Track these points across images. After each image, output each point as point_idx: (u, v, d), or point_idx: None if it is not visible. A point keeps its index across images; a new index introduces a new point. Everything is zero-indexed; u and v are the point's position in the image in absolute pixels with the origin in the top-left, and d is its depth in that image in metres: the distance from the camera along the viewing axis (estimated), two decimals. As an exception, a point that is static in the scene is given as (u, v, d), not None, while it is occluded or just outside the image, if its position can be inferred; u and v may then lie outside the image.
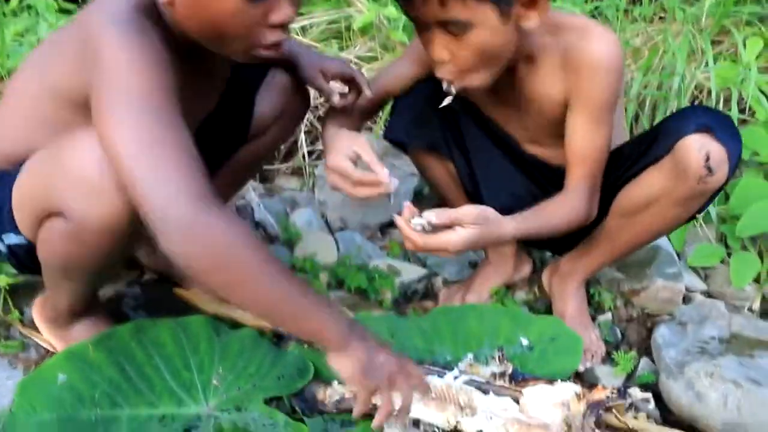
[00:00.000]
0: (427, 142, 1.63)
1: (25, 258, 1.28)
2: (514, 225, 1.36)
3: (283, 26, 1.15)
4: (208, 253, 1.04)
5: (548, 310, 1.77)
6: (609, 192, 1.51)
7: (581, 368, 1.58)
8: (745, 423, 1.30)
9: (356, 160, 1.35)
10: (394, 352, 1.22)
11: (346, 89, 1.49)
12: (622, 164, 1.51)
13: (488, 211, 1.32)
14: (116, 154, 1.04)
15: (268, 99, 1.52)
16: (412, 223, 1.29)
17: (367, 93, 1.49)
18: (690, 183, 1.37)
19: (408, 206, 1.31)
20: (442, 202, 1.78)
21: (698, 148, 1.33)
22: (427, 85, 1.56)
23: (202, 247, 1.04)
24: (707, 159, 1.33)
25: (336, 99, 1.48)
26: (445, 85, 1.38)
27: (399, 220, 1.30)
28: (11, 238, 1.25)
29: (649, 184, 1.45)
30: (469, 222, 1.29)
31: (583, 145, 1.45)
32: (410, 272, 1.81)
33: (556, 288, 1.73)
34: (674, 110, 2.29)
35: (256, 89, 1.51)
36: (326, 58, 1.59)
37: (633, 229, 1.54)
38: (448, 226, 1.29)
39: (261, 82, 1.51)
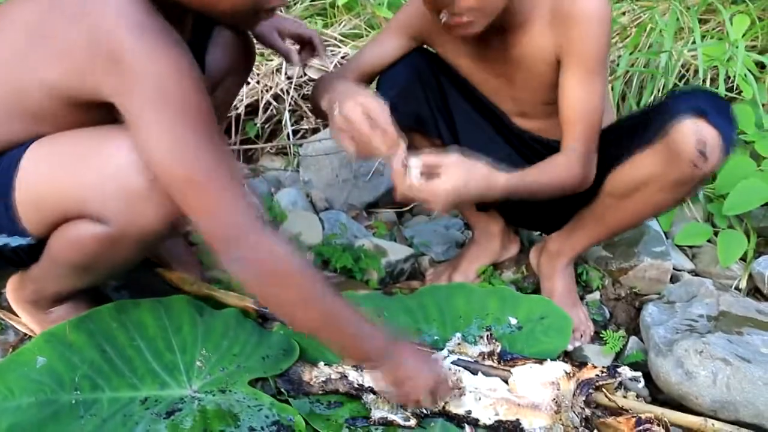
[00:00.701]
0: (413, 119, 1.60)
1: (24, 257, 1.24)
2: (505, 176, 1.32)
3: None
4: (270, 273, 1.08)
5: (536, 290, 1.75)
6: (600, 171, 1.49)
7: (570, 347, 1.56)
8: (734, 400, 1.29)
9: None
10: (432, 364, 1.26)
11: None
12: (615, 144, 1.48)
13: (474, 162, 1.28)
14: (178, 176, 1.03)
15: (216, 57, 1.51)
16: (410, 170, 1.24)
17: (323, 56, 1.54)
18: (683, 167, 1.35)
19: (402, 147, 1.24)
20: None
21: (693, 132, 1.31)
22: (412, 59, 1.53)
23: (265, 268, 1.08)
24: (701, 143, 1.30)
25: (295, 58, 1.50)
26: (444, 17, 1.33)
27: (395, 165, 1.24)
28: (17, 241, 1.19)
29: (641, 167, 1.43)
30: (450, 165, 1.25)
31: (578, 102, 1.42)
32: (397, 252, 1.79)
33: (544, 267, 1.72)
34: (661, 88, 2.27)
35: (205, 49, 1.49)
36: (282, 17, 1.58)
37: (622, 210, 1.52)
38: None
39: (208, 41, 1.49)
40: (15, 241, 1.18)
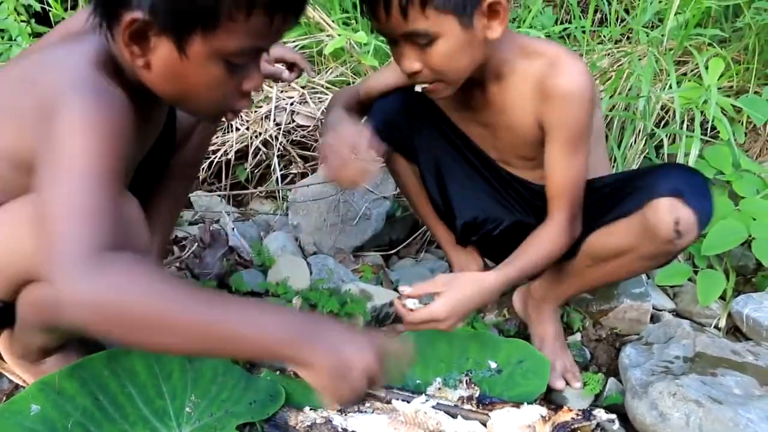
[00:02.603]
0: (394, 146, 1.67)
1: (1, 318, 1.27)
2: (494, 274, 1.41)
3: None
4: (102, 309, 0.91)
5: (518, 333, 1.79)
6: (584, 231, 1.56)
7: (561, 386, 1.61)
8: (706, 441, 1.33)
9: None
10: (369, 339, 1.02)
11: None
12: (596, 205, 1.54)
13: (460, 274, 1.38)
14: (42, 213, 0.97)
15: None
16: (406, 303, 1.34)
17: (310, 73, 1.68)
18: (658, 244, 1.42)
19: (401, 290, 1.34)
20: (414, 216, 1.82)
21: (668, 212, 1.37)
22: (404, 92, 1.61)
23: (93, 305, 0.91)
24: (677, 224, 1.37)
25: (286, 74, 1.60)
26: (418, 88, 1.43)
27: (395, 303, 1.35)
28: None
29: (619, 236, 1.49)
30: (441, 288, 1.35)
31: (561, 177, 1.48)
32: (382, 296, 1.82)
33: (532, 313, 1.76)
34: (641, 130, 2.34)
35: None
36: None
37: (600, 271, 1.59)
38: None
39: None
40: None
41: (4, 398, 1.42)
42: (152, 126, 1.34)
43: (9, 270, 1.16)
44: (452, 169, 1.67)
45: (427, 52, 1.33)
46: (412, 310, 1.33)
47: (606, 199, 1.54)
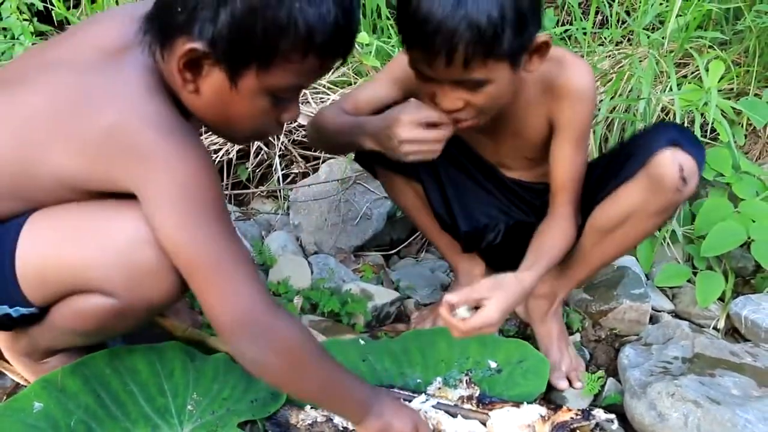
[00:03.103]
0: (393, 167, 1.67)
1: (26, 323, 1.28)
2: (528, 274, 1.41)
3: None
4: (289, 357, 1.15)
5: (518, 333, 1.80)
6: (584, 212, 1.57)
7: (564, 385, 1.61)
8: (704, 441, 1.35)
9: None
10: (409, 413, 1.29)
11: None
12: (595, 184, 1.56)
13: (501, 277, 1.38)
14: (192, 263, 1.09)
15: None
16: (457, 314, 1.32)
17: None
18: (667, 194, 1.43)
19: (446, 301, 1.33)
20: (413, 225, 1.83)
21: (672, 161, 1.40)
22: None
23: (282, 352, 1.14)
24: (681, 170, 1.39)
25: None
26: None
27: (443, 314, 1.33)
28: (18, 311, 1.22)
29: (626, 199, 1.50)
30: (487, 293, 1.33)
31: (568, 172, 1.52)
32: (383, 296, 1.84)
33: (536, 312, 1.76)
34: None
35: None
36: None
37: (609, 243, 1.59)
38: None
39: None
40: (17, 312, 1.21)
41: (5, 397, 1.43)
42: None
43: (58, 279, 1.17)
44: (453, 178, 1.69)
45: (475, 93, 1.33)
46: (464, 318, 1.32)
47: (602, 175, 1.56)
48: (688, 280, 2.06)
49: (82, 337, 1.31)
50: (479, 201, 1.69)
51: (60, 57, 1.16)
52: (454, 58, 1.24)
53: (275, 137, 2.28)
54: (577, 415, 1.32)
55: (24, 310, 1.21)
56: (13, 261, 1.15)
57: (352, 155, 2.16)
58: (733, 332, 1.95)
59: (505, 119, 1.52)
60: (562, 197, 1.54)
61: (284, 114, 1.17)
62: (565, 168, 1.52)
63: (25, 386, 1.39)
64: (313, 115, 2.20)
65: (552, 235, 1.51)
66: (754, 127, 2.58)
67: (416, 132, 1.36)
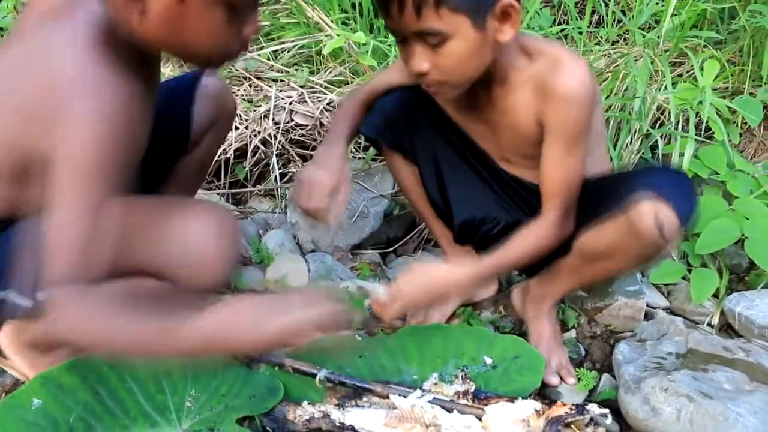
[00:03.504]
0: (394, 143, 1.69)
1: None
2: (463, 271, 1.47)
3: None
4: (80, 321, 1.10)
5: (513, 329, 1.82)
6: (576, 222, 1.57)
7: (555, 382, 1.63)
8: (697, 435, 1.36)
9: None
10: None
11: None
12: (586, 203, 1.56)
13: (432, 264, 1.48)
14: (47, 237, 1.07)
15: (204, 107, 1.59)
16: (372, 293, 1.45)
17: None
18: (644, 244, 1.43)
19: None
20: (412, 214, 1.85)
21: (650, 215, 1.38)
22: (403, 91, 1.63)
23: (71, 318, 1.09)
24: (660, 228, 1.38)
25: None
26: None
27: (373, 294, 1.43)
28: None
29: (606, 236, 1.50)
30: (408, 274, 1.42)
31: (555, 175, 1.50)
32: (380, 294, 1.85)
33: (530, 311, 1.78)
34: (636, 131, 2.37)
35: (191, 101, 1.57)
36: None
37: (593, 270, 1.61)
38: None
39: (194, 92, 1.56)
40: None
41: (4, 394, 1.44)
42: (153, 90, 1.34)
43: (124, 263, 1.19)
44: (452, 168, 1.69)
45: (437, 52, 1.33)
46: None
47: (595, 198, 1.55)
48: (683, 278, 2.07)
49: None
50: (477, 194, 1.70)
51: (18, 28, 1.19)
52: (404, 4, 1.27)
53: (272, 137, 2.29)
54: (571, 409, 1.33)
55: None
56: None
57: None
58: (727, 328, 1.97)
59: (498, 109, 1.53)
60: (549, 201, 1.52)
61: (245, 28, 1.13)
62: (553, 174, 1.50)
63: (24, 383, 1.40)
64: (309, 114, 2.24)
65: (523, 238, 1.51)
66: (750, 126, 2.60)
67: (318, 180, 1.50)
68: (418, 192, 1.77)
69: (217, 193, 2.28)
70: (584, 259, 1.58)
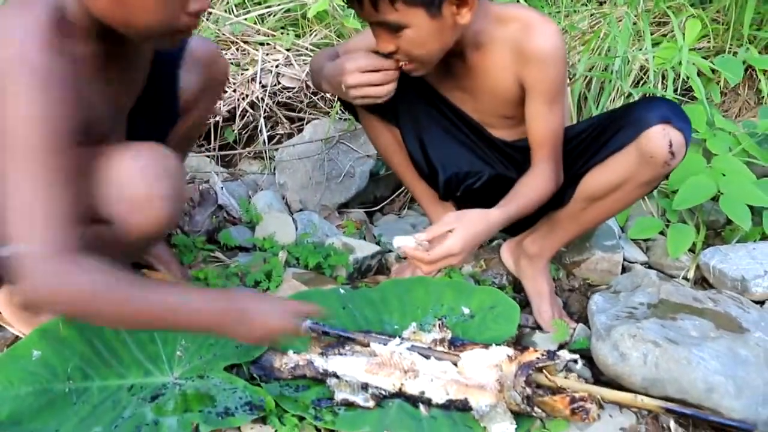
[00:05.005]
0: (374, 107, 1.72)
1: None
2: (496, 211, 1.51)
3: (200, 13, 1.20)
4: (73, 300, 1.13)
5: (493, 283, 1.88)
6: (568, 176, 1.66)
7: (568, 339, 1.71)
8: (662, 378, 1.42)
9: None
10: (271, 300, 1.38)
11: None
12: (582, 151, 1.65)
13: (466, 211, 1.47)
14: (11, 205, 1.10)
15: (193, 73, 1.58)
16: (414, 246, 1.42)
17: None
18: (657, 167, 1.55)
19: (418, 236, 1.43)
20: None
21: (662, 137, 1.51)
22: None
23: (65, 296, 1.12)
24: (671, 145, 1.51)
25: None
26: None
27: (406, 250, 1.43)
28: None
29: (616, 170, 1.60)
30: (451, 224, 1.43)
31: (543, 128, 1.60)
32: (364, 249, 1.91)
33: (527, 270, 1.85)
34: (618, 90, 2.41)
35: (177, 65, 1.56)
36: None
37: (597, 210, 1.70)
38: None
39: (180, 57, 1.56)
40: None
41: (5, 348, 1.50)
42: (135, 66, 1.38)
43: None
44: (432, 128, 1.74)
45: (398, 36, 1.43)
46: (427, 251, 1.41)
47: (591, 144, 1.65)
48: (661, 233, 2.13)
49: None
50: (459, 151, 1.76)
51: None
52: (363, 1, 1.38)
53: (260, 100, 2.34)
54: (542, 355, 1.39)
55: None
56: None
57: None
58: (702, 282, 2.03)
59: (476, 74, 1.60)
60: (540, 154, 1.61)
61: (191, 3, 1.14)
62: (540, 127, 1.60)
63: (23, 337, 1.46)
64: (296, 77, 2.28)
65: (528, 185, 1.60)
66: (735, 86, 2.64)
67: (360, 78, 1.51)
68: (399, 154, 1.82)
69: (207, 156, 2.32)
70: (590, 200, 1.67)
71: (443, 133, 1.74)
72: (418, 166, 1.79)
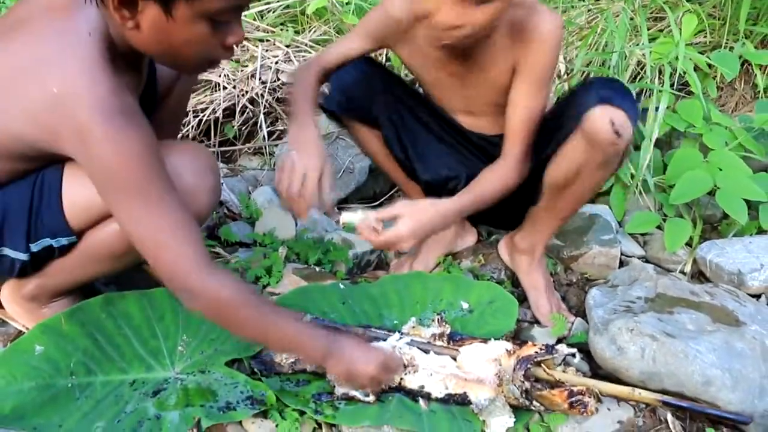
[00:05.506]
0: (356, 115, 1.75)
1: (40, 263, 1.38)
2: (450, 202, 1.53)
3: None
4: (218, 311, 1.26)
5: (493, 278, 1.89)
6: (538, 164, 1.65)
7: (567, 333, 1.71)
8: (659, 372, 1.44)
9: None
10: (372, 352, 1.38)
11: None
12: (546, 139, 1.64)
13: (416, 201, 1.52)
14: (142, 245, 1.21)
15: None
16: (358, 222, 1.49)
17: None
18: (605, 148, 1.51)
19: (367, 215, 1.49)
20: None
21: (602, 117, 1.48)
22: (360, 63, 1.69)
23: (212, 307, 1.25)
24: (612, 124, 1.47)
25: None
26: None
27: (360, 227, 1.49)
28: (60, 242, 1.34)
29: (570, 157, 1.58)
30: (400, 210, 1.48)
31: (525, 114, 1.60)
32: (363, 244, 1.91)
33: (521, 264, 1.85)
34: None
35: None
36: None
37: (568, 197, 1.68)
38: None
39: None
40: (58, 243, 1.33)
41: (8, 343, 1.51)
42: (142, 76, 1.41)
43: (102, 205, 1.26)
44: (413, 131, 1.77)
45: (475, 9, 1.39)
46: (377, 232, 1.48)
47: (551, 131, 1.64)
48: (658, 227, 2.14)
49: (109, 261, 1.40)
50: (437, 152, 1.78)
51: (18, 18, 1.23)
52: None
53: (260, 96, 2.35)
54: (541, 349, 1.41)
55: (65, 240, 1.33)
56: (59, 197, 1.30)
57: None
58: (699, 275, 2.04)
59: (474, 59, 1.60)
60: (512, 140, 1.62)
61: (228, 38, 1.19)
62: (519, 110, 1.60)
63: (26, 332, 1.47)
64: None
65: (488, 178, 1.62)
66: (732, 80, 2.65)
67: (299, 166, 1.49)
68: (386, 156, 1.84)
69: (207, 152, 2.33)
70: (555, 191, 1.66)
71: (422, 134, 1.77)
72: (403, 165, 1.82)
